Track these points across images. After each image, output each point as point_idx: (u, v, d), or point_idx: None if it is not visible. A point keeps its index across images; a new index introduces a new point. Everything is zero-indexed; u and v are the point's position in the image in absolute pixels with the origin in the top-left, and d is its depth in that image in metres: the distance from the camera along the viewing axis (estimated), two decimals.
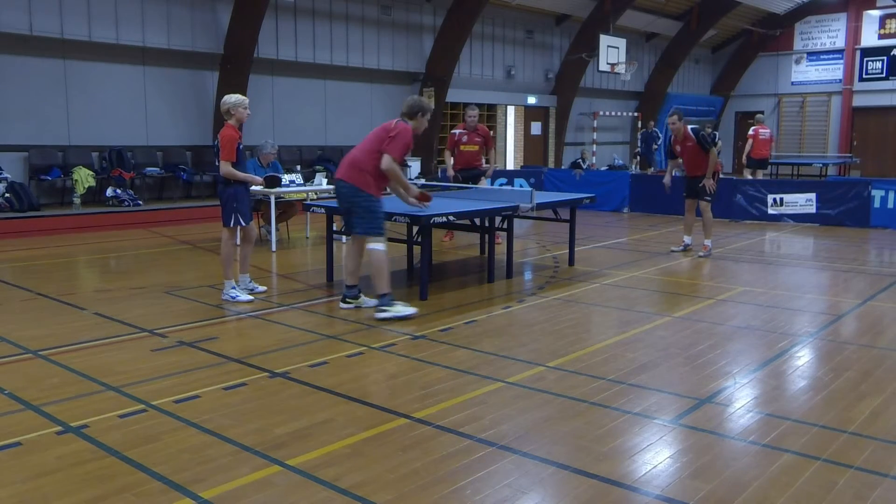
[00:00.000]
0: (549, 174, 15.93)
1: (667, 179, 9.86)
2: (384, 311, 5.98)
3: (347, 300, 6.39)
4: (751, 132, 16.39)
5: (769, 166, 16.41)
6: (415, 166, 17.84)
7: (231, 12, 14.01)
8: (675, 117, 9.35)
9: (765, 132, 16.21)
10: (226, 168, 6.38)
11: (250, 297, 6.65)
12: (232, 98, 6.57)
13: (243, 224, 6.67)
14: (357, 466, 3.35)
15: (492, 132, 10.20)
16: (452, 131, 10.33)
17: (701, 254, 9.34)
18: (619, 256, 9.39)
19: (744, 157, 16.64)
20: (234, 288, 6.64)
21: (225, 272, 6.71)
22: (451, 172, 10.11)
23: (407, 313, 6.00)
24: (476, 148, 10.02)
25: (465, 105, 19.70)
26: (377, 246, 6.02)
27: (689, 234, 9.74)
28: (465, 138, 10.00)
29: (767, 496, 3.10)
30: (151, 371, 4.71)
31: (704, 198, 9.32)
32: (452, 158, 10.12)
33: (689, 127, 9.29)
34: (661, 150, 22.77)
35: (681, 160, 9.61)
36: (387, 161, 5.93)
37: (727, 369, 4.84)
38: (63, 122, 12.58)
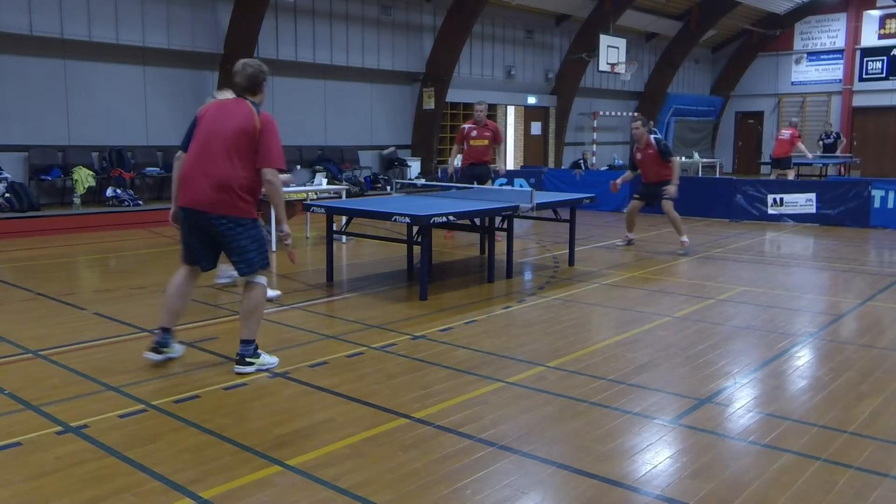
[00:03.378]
0: (549, 174, 15.92)
1: (618, 181, 10.18)
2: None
3: (162, 350, 4.83)
4: None
5: (784, 166, 16.56)
6: (415, 166, 17.84)
7: (231, 12, 14.01)
8: (639, 122, 9.56)
9: (784, 133, 16.46)
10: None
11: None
12: None
13: None
14: (357, 466, 3.35)
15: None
16: (463, 126, 10.49)
17: (680, 251, 9.46)
18: (619, 256, 9.39)
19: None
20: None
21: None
22: (451, 170, 10.37)
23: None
24: (486, 143, 10.20)
25: (468, 105, 19.80)
26: (259, 279, 4.75)
27: (630, 231, 10.10)
28: (474, 133, 10.19)
29: (767, 496, 3.10)
30: (151, 371, 4.71)
31: (664, 197, 9.44)
32: (460, 154, 10.29)
33: (653, 137, 9.49)
34: None
35: (638, 171, 9.84)
36: (271, 174, 4.57)
37: (727, 369, 4.84)
38: (63, 122, 12.58)
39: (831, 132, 22.06)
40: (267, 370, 4.73)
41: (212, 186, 4.48)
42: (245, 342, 4.70)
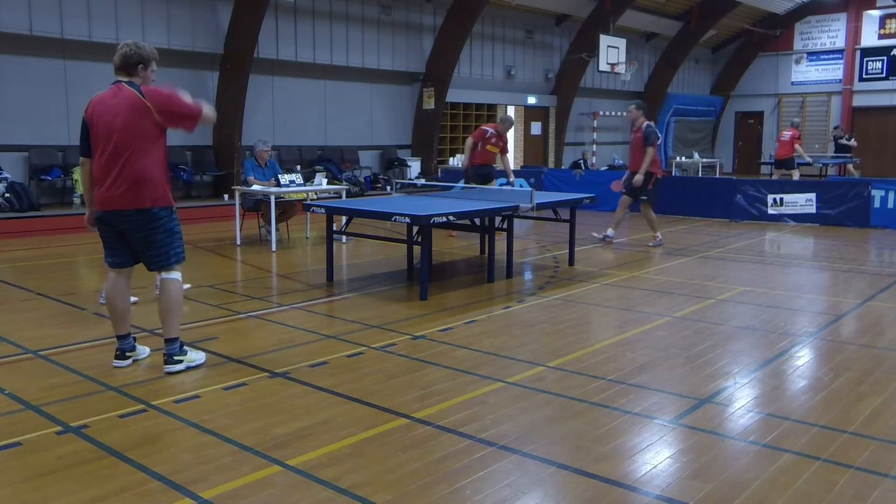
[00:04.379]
0: (549, 174, 15.92)
1: (621, 182, 10.50)
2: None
3: (127, 354, 4.86)
4: None
5: (788, 166, 16.69)
6: (415, 166, 17.84)
7: (231, 12, 14.02)
8: (634, 106, 10.16)
9: (784, 134, 16.66)
10: None
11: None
12: None
13: None
14: (357, 466, 3.35)
15: None
16: (484, 127, 11.08)
17: (652, 244, 9.96)
18: (619, 256, 9.40)
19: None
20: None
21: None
22: (466, 163, 10.93)
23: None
24: (497, 151, 10.94)
25: (468, 105, 19.82)
26: (175, 275, 4.74)
27: (614, 228, 10.38)
28: (493, 139, 10.84)
29: (767, 496, 3.10)
30: (151, 371, 4.71)
31: (640, 198, 9.94)
32: (472, 152, 10.84)
33: (646, 123, 9.89)
34: (662, 151, 22.72)
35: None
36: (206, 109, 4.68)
37: (727, 369, 4.84)
38: (63, 122, 12.58)
39: (843, 133, 22.02)
40: (196, 367, 4.72)
41: (125, 184, 4.45)
42: (169, 341, 4.67)
